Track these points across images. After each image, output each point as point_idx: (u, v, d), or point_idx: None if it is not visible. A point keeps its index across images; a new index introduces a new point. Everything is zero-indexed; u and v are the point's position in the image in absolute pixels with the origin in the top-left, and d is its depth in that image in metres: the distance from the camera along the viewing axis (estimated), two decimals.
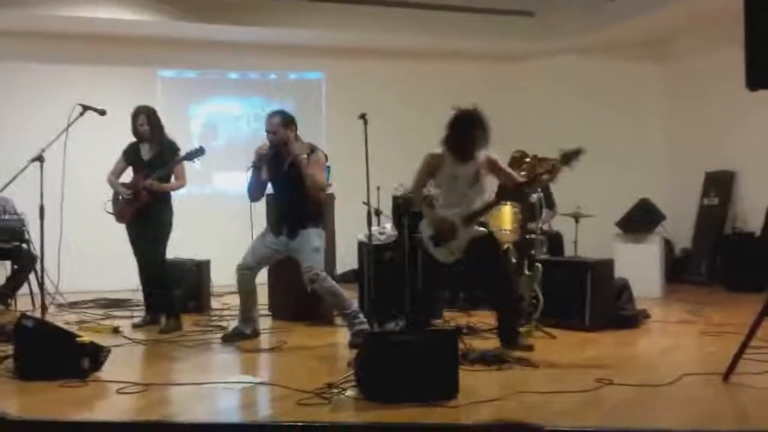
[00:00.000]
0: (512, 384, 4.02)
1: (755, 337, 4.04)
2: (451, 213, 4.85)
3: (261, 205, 6.73)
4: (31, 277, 7.01)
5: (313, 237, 5.29)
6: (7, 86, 8.84)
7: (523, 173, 6.08)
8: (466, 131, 4.81)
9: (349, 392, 3.82)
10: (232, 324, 5.76)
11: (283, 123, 5.25)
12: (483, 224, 4.99)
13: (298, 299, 6.30)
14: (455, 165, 4.86)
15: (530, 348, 4.79)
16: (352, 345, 5.08)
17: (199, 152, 5.87)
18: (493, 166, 4.94)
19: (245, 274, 5.38)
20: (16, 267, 7.14)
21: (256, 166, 5.31)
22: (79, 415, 3.62)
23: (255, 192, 5.41)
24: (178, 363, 4.87)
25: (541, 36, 9.58)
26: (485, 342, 5.14)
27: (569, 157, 4.64)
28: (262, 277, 6.71)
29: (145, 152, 5.98)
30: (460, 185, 4.87)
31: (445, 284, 5.89)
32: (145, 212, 5.87)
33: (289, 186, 5.29)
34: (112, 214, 6.05)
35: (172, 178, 5.94)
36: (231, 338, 5.41)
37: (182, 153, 5.92)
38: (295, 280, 6.28)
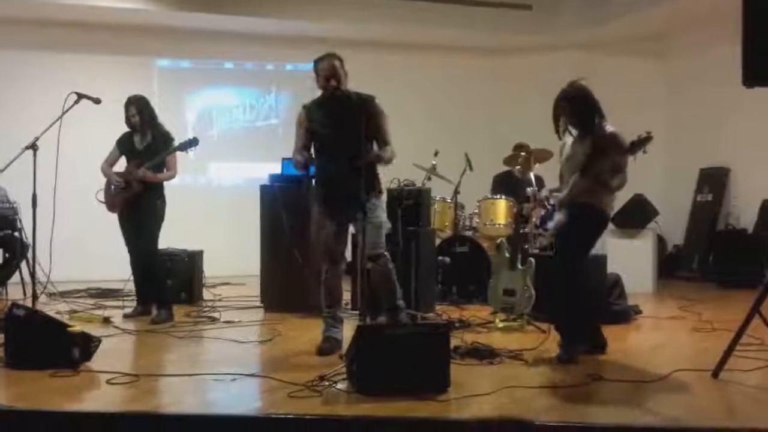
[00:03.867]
0: (503, 378, 4.02)
1: (746, 334, 4.05)
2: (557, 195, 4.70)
3: (255, 198, 6.75)
4: (23, 265, 6.99)
5: None
6: (2, 74, 8.79)
7: (518, 167, 6.11)
8: (554, 105, 4.59)
9: (341, 385, 3.81)
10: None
11: None
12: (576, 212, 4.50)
13: (290, 290, 6.30)
14: (573, 143, 4.63)
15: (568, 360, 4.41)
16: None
17: (192, 143, 5.85)
18: (615, 147, 4.43)
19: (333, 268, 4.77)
20: (7, 255, 7.12)
21: None
22: (68, 405, 3.61)
23: None
24: (168, 354, 4.86)
25: (539, 30, 9.57)
26: (478, 336, 5.14)
27: (636, 146, 4.40)
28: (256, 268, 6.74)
29: (139, 142, 5.97)
30: (568, 166, 4.61)
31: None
32: (136, 202, 5.87)
33: None
34: (103, 203, 6.03)
35: (164, 168, 5.93)
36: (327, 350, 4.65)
37: (176, 143, 5.90)
38: (286, 270, 6.31)
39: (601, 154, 4.42)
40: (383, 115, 4.76)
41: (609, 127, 4.55)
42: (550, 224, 4.72)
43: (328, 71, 4.70)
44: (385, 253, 4.72)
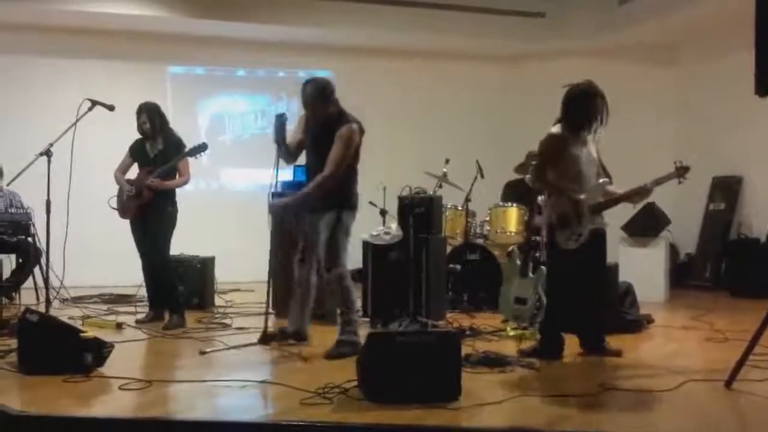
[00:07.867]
0: (514, 387, 4.01)
1: (759, 344, 4.03)
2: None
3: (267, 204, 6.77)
4: (36, 271, 7.03)
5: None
6: (17, 80, 8.87)
7: (529, 176, 6.09)
8: (591, 97, 4.59)
9: (351, 392, 3.81)
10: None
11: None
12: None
13: None
14: (578, 146, 4.67)
15: (618, 353, 4.77)
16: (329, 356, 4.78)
17: (201, 148, 5.88)
18: None
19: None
20: (21, 261, 7.16)
21: None
22: (81, 410, 3.62)
23: None
24: (180, 360, 4.88)
25: (552, 37, 9.57)
26: (489, 344, 5.13)
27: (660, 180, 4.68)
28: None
29: (150, 149, 6.00)
30: (589, 167, 4.69)
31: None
32: (148, 208, 5.89)
33: None
34: (116, 209, 6.07)
35: (177, 175, 5.95)
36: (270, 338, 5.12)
37: (187, 149, 5.93)
38: None
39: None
40: (341, 139, 4.98)
41: None
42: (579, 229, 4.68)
43: (302, 101, 5.24)
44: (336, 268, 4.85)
